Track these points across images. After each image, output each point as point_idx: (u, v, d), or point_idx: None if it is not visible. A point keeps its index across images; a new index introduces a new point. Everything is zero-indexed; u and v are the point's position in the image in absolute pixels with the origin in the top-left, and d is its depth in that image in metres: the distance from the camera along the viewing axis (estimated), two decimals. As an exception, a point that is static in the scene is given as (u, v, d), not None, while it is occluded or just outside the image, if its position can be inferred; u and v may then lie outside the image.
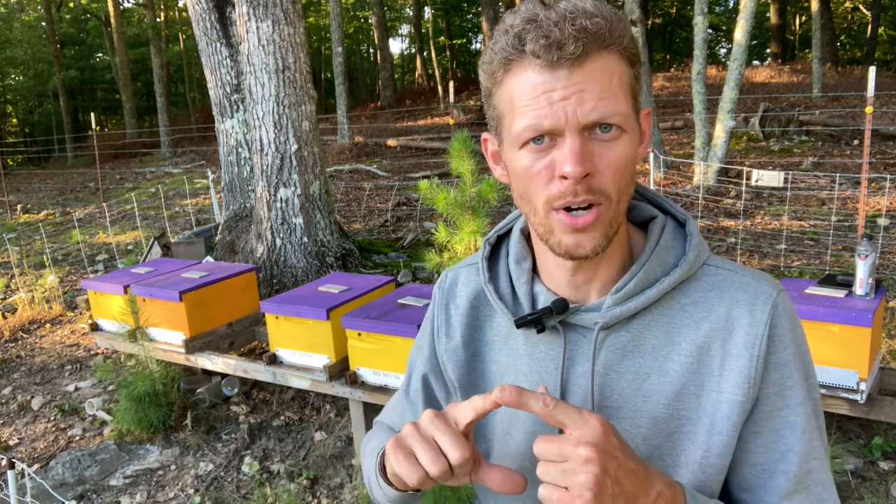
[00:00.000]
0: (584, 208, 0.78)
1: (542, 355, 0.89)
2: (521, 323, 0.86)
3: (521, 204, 0.84)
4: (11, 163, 23.54)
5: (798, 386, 0.83)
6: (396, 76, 31.80)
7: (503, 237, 0.99)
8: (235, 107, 6.42)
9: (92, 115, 13.20)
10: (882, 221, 6.39)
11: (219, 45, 6.36)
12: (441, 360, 1.00)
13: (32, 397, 4.45)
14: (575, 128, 0.75)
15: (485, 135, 0.90)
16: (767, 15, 25.08)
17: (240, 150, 6.47)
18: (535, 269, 0.92)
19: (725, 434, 0.82)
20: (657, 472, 0.75)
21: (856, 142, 10.25)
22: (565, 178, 0.75)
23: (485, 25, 19.03)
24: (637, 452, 0.83)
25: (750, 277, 0.85)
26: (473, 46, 35.71)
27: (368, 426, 3.35)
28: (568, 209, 0.78)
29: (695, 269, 0.86)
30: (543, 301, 0.88)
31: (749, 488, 0.85)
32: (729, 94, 8.13)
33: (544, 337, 0.89)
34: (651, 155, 7.27)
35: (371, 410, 3.37)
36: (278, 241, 5.73)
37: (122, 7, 22.43)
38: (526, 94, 0.76)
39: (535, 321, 0.86)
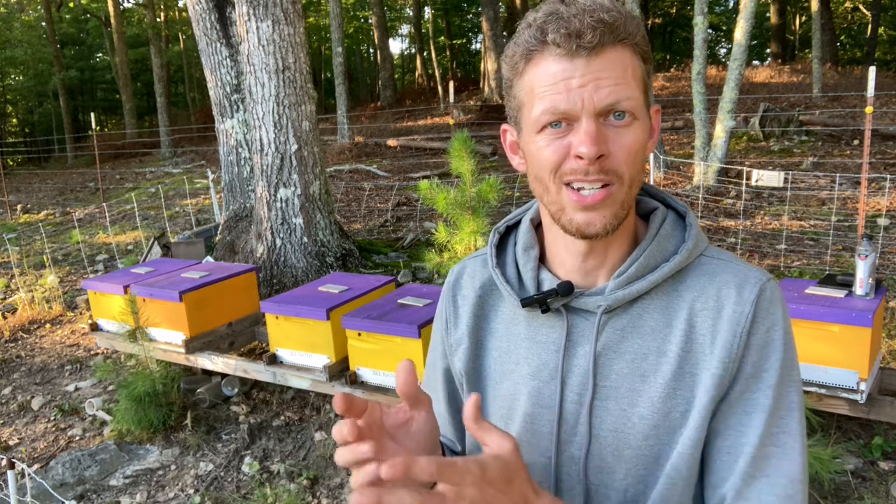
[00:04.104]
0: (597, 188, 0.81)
1: (544, 338, 0.92)
2: (526, 303, 0.89)
3: (535, 186, 0.87)
4: (11, 163, 23.54)
5: (773, 370, 0.83)
6: (396, 76, 31.79)
7: (512, 228, 1.02)
8: (235, 107, 6.42)
9: (92, 115, 13.19)
10: (882, 221, 6.39)
11: (219, 45, 6.36)
12: (449, 351, 1.02)
13: (32, 397, 4.45)
14: (591, 112, 0.79)
15: (504, 126, 0.94)
16: (767, 15, 25.08)
17: (240, 150, 6.47)
18: (542, 259, 0.95)
19: (702, 407, 0.83)
20: None
21: (856, 142, 10.25)
22: (580, 157, 0.79)
23: (485, 25, 19.00)
24: (634, 431, 0.86)
25: (742, 266, 0.89)
26: (473, 46, 35.71)
27: (368, 426, 3.34)
28: (578, 189, 0.82)
29: (693, 258, 0.89)
30: (548, 287, 0.91)
31: (715, 471, 0.85)
32: (729, 94, 8.13)
33: (546, 321, 0.92)
34: (651, 155, 7.27)
35: (371, 410, 3.36)
36: (278, 241, 5.73)
37: (122, 7, 22.43)
38: (546, 81, 0.80)
39: (539, 301, 0.89)
